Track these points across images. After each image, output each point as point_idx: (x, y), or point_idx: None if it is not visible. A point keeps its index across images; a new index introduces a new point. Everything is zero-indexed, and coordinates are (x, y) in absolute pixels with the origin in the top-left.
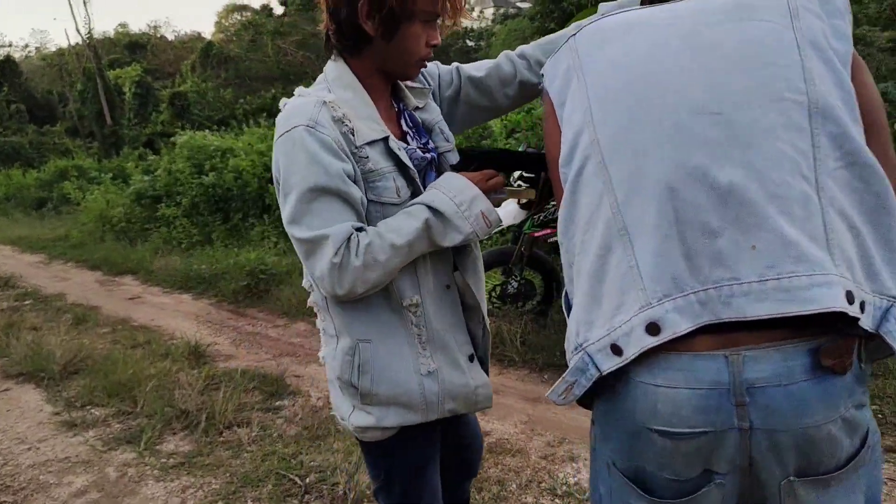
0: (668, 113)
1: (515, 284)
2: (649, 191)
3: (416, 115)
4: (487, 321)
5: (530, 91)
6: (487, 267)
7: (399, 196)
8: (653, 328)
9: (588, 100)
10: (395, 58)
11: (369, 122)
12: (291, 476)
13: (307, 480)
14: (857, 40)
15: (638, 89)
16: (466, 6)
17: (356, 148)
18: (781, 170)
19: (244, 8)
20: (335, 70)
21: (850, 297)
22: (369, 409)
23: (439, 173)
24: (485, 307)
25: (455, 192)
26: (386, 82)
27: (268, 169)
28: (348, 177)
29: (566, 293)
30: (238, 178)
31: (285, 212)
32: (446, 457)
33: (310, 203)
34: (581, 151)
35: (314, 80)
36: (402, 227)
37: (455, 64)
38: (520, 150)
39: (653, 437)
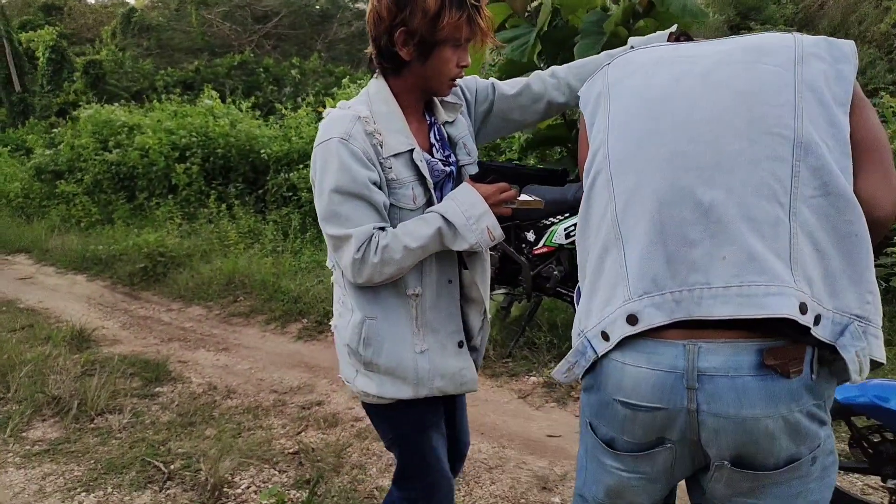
0: (671, 138)
1: None
2: (644, 203)
3: (445, 128)
4: (489, 315)
5: (556, 109)
6: None
7: (415, 203)
8: (632, 319)
9: (608, 122)
10: (429, 77)
11: (398, 135)
12: (156, 463)
13: (172, 467)
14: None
15: (650, 117)
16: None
17: (383, 159)
18: (758, 195)
19: None
20: (376, 86)
21: (803, 309)
22: (371, 377)
23: (456, 184)
24: (487, 303)
25: (467, 205)
26: (420, 98)
27: (175, 147)
28: (374, 184)
29: (578, 287)
30: (144, 156)
31: (319, 210)
32: None
33: (338, 205)
34: (595, 166)
35: (240, 53)
36: (417, 231)
37: (492, 80)
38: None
39: (617, 407)
